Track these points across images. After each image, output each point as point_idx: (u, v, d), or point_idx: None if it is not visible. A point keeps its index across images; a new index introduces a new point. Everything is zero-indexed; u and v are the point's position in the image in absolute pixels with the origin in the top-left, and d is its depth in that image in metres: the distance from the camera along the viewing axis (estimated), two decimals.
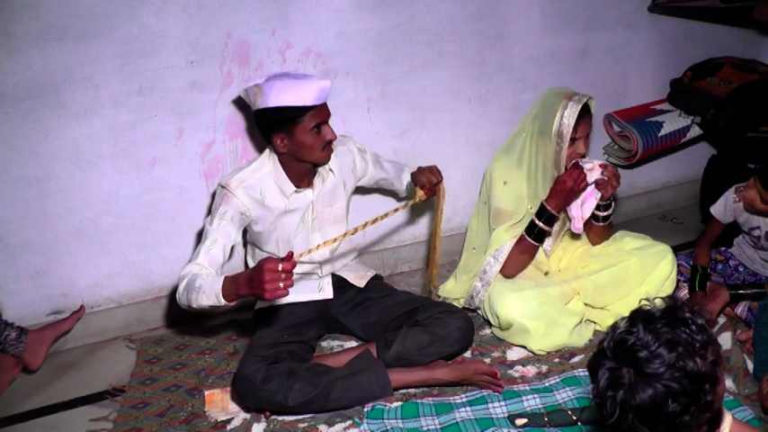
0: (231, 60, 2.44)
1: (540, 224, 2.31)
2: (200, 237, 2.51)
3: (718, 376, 1.16)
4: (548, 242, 2.46)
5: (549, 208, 2.29)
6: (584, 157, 2.33)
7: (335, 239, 2.00)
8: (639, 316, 1.19)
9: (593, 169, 2.27)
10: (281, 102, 1.97)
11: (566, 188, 2.25)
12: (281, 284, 1.68)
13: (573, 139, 2.29)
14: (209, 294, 1.81)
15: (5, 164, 2.29)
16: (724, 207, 2.48)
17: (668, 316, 1.18)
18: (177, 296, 1.93)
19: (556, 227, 2.41)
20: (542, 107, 2.35)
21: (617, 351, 1.16)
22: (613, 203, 2.41)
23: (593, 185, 2.29)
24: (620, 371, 1.15)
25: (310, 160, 2.10)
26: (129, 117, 2.38)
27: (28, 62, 2.21)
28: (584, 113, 2.28)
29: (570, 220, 2.36)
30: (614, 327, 1.21)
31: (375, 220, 2.07)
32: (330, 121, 2.11)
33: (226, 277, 1.81)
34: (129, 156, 2.42)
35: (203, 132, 2.49)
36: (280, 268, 1.67)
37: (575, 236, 2.48)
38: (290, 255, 1.71)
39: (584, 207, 2.32)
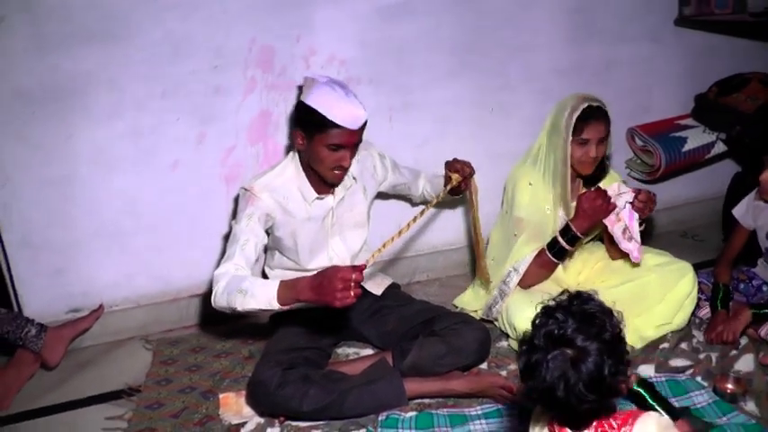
0: (255, 66, 2.45)
1: (562, 242, 2.30)
2: (221, 239, 2.56)
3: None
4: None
5: (573, 228, 2.28)
6: (593, 158, 2.30)
7: (400, 233, 1.99)
8: (549, 308, 1.29)
9: (621, 194, 2.26)
10: (316, 106, 1.98)
11: (594, 206, 2.24)
12: (352, 293, 1.74)
13: (585, 141, 2.27)
14: (259, 299, 1.84)
15: (30, 163, 2.32)
16: (746, 207, 2.47)
17: (571, 300, 1.30)
18: (214, 297, 1.94)
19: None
20: (557, 106, 2.35)
21: (549, 341, 1.25)
22: (645, 223, 2.38)
23: (628, 208, 2.26)
24: (563, 354, 1.23)
25: (318, 171, 2.10)
26: (152, 120, 2.40)
27: (54, 64, 2.24)
28: (599, 117, 2.27)
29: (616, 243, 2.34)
30: (534, 326, 1.29)
31: (423, 212, 2.09)
32: None
33: (281, 282, 1.85)
34: (150, 158, 2.45)
35: (225, 137, 2.51)
36: (353, 277, 1.73)
37: (594, 249, 2.46)
38: (363, 266, 1.78)
39: (632, 232, 2.29)
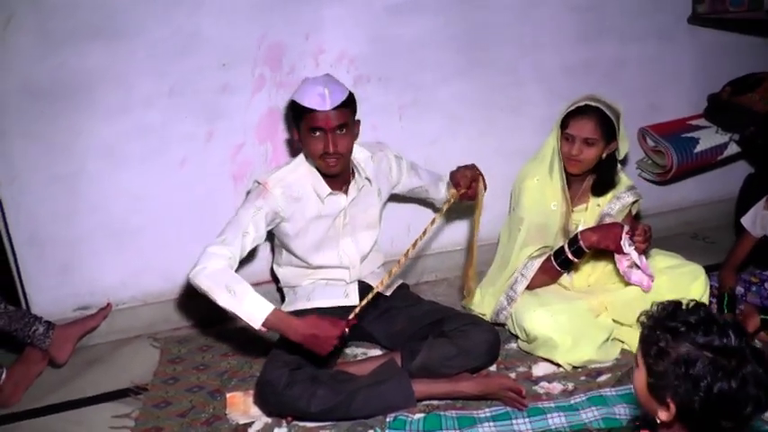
0: (263, 64, 2.44)
1: (568, 252, 2.31)
2: None
3: None
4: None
5: (580, 239, 2.28)
6: (573, 156, 2.30)
7: (407, 254, 2.10)
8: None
9: (630, 253, 2.25)
10: (296, 97, 2.04)
11: (609, 228, 2.27)
12: (332, 347, 1.93)
13: (569, 137, 2.29)
14: (245, 311, 1.90)
15: (37, 160, 2.31)
16: (754, 216, 2.44)
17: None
18: (196, 273, 1.96)
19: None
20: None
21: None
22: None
23: (632, 249, 2.25)
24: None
25: (314, 164, 2.12)
26: (160, 117, 2.40)
27: (63, 60, 2.24)
28: (589, 116, 2.27)
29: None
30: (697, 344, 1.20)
31: (425, 232, 2.16)
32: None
33: (275, 310, 1.91)
34: (158, 156, 2.44)
35: (233, 135, 2.50)
36: (337, 335, 1.92)
37: (604, 252, 2.44)
38: (354, 322, 2.00)
39: (642, 267, 2.28)
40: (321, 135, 2.03)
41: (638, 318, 1.31)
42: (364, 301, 2.05)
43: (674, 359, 1.20)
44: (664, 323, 1.24)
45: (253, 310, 1.88)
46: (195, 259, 2.55)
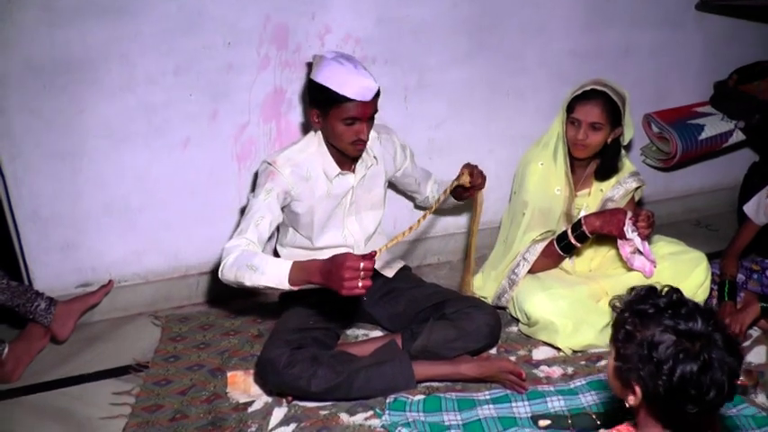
0: (269, 43, 2.43)
1: (571, 238, 2.31)
2: (232, 217, 2.56)
3: None
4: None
5: (583, 224, 2.28)
6: (579, 141, 2.30)
7: (411, 228, 1.95)
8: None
9: (633, 239, 2.26)
10: (326, 82, 1.98)
11: (613, 214, 2.27)
12: (360, 283, 1.71)
13: (575, 121, 2.30)
14: (270, 276, 1.83)
15: (40, 137, 2.30)
16: (757, 204, 2.43)
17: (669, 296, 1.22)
18: (221, 270, 1.93)
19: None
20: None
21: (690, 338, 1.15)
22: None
23: (635, 235, 2.26)
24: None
25: (338, 147, 2.10)
26: (164, 96, 2.38)
27: (66, 37, 2.22)
28: (595, 100, 2.26)
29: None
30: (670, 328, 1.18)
31: (432, 208, 2.09)
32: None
33: (294, 263, 1.84)
34: (162, 135, 2.43)
35: (238, 114, 2.49)
36: (361, 266, 1.70)
37: (607, 237, 2.44)
38: (373, 254, 1.75)
39: (645, 252, 2.29)
40: (355, 123, 2.02)
41: (610, 302, 1.29)
42: (384, 246, 1.90)
43: (638, 341, 1.18)
44: (633, 306, 1.23)
45: (276, 273, 1.83)
46: (196, 238, 2.59)
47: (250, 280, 1.86)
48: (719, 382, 1.13)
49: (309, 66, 2.20)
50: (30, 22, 2.18)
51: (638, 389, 1.19)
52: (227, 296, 2.60)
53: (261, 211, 2.03)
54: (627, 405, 1.24)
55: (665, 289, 1.25)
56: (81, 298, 2.45)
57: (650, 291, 1.25)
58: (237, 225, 2.05)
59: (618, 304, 1.27)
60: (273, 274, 1.83)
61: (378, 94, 2.02)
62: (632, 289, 1.28)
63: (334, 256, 1.75)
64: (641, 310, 1.21)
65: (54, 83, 2.25)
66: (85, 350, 2.38)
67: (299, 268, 1.82)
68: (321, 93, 2.00)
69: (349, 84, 1.96)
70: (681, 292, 1.24)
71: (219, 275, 1.95)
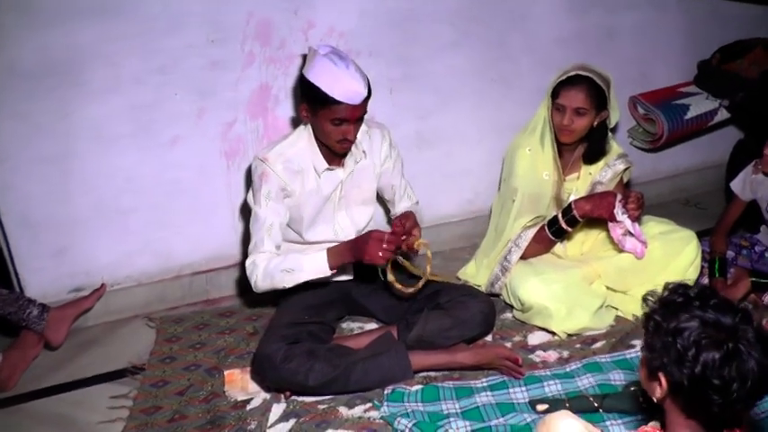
0: (253, 39, 2.41)
1: (562, 222, 2.32)
2: (223, 215, 2.57)
3: None
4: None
5: (573, 208, 2.28)
6: (565, 126, 2.30)
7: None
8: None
9: (623, 221, 2.27)
10: (317, 81, 1.96)
11: (602, 198, 2.28)
12: (381, 253, 1.93)
13: (560, 107, 2.30)
14: (310, 271, 2.03)
15: (28, 141, 2.28)
16: (743, 180, 2.46)
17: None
18: (255, 284, 2.07)
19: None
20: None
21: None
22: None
23: (625, 217, 2.27)
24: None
25: (325, 143, 2.10)
26: (150, 95, 2.37)
27: (49, 39, 2.20)
28: (579, 86, 2.27)
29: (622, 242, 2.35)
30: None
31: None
32: None
33: (328, 250, 2.03)
34: (149, 134, 2.41)
35: (224, 111, 2.48)
36: (385, 238, 1.93)
37: (597, 220, 2.46)
38: (398, 230, 2.03)
39: (636, 234, 2.30)
40: (343, 125, 2.01)
41: (644, 296, 1.29)
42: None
43: (665, 331, 1.18)
44: (664, 298, 1.24)
45: (314, 267, 2.02)
46: (188, 238, 2.58)
47: (291, 281, 2.03)
48: (744, 374, 1.12)
49: (304, 58, 2.18)
50: (10, 24, 2.15)
51: (663, 380, 1.20)
52: (220, 295, 2.59)
53: (268, 219, 2.06)
54: (654, 399, 1.25)
55: (699, 286, 1.25)
56: (74, 303, 2.43)
57: (682, 285, 1.26)
58: (246, 233, 2.05)
59: (650, 298, 1.27)
60: (312, 269, 2.03)
61: (368, 97, 2.01)
62: (667, 285, 1.28)
63: (364, 233, 2.01)
64: (671, 301, 1.22)
65: (40, 86, 2.23)
66: (81, 355, 2.36)
67: (334, 253, 2.03)
68: (311, 90, 1.98)
69: (339, 86, 1.94)
70: (715, 290, 1.25)
71: (254, 289, 2.09)
